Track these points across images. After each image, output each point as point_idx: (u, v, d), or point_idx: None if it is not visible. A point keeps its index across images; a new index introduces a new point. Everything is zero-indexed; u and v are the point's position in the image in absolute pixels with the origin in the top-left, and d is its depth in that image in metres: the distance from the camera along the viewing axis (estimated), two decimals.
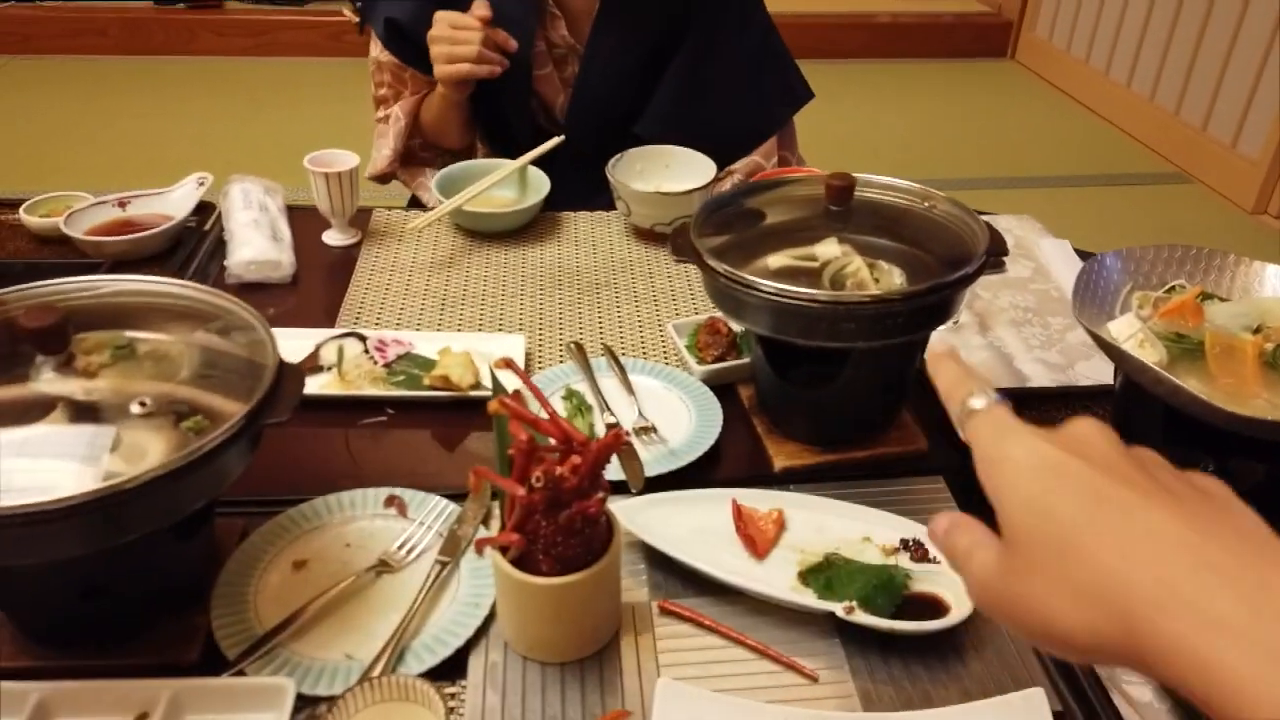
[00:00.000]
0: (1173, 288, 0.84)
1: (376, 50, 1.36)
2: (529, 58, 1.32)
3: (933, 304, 0.77)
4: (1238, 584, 0.32)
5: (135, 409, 0.61)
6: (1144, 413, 0.78)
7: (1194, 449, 0.76)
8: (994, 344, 1.10)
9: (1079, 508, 0.36)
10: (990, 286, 1.19)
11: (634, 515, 0.75)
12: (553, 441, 0.61)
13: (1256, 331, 0.78)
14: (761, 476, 0.84)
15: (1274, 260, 0.85)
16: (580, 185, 1.30)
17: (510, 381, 0.71)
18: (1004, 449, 0.39)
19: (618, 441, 0.60)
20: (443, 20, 1.22)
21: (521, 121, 1.37)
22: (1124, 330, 0.78)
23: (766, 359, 0.86)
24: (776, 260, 0.87)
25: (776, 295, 0.75)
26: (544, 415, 0.60)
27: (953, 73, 4.16)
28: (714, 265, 0.78)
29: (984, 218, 1.38)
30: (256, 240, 1.11)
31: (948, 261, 0.80)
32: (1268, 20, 2.92)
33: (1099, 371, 1.01)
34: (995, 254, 0.80)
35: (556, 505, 0.59)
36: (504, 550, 0.62)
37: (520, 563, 0.62)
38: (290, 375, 0.65)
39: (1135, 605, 0.33)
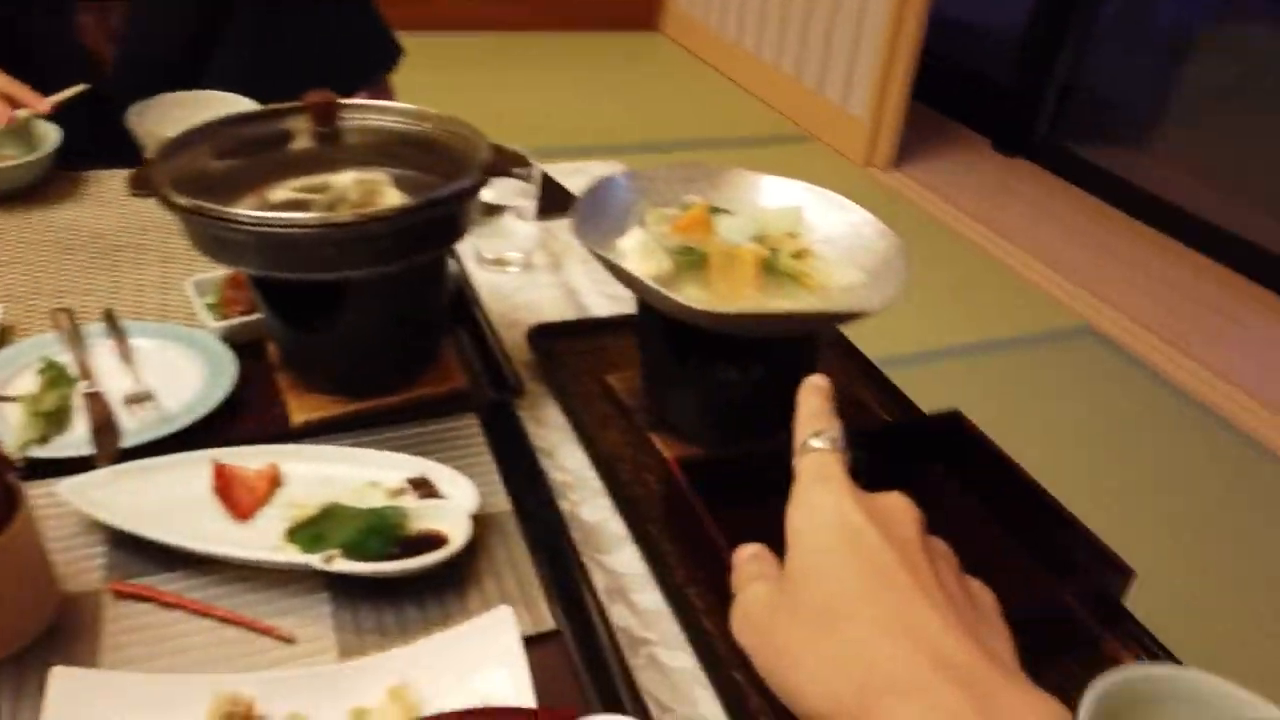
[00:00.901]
0: (687, 205, 0.86)
1: None
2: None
3: (425, 221, 0.71)
4: (973, 687, 0.34)
5: None
6: (652, 326, 0.79)
7: (705, 359, 0.77)
8: (564, 283, 1.10)
9: (857, 578, 0.38)
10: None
11: (90, 492, 0.64)
12: None
13: (761, 241, 0.81)
14: (281, 435, 0.76)
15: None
16: (131, 148, 1.14)
17: None
18: (816, 495, 0.41)
19: None
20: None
21: (59, 76, 1.18)
22: (632, 245, 0.78)
23: (267, 304, 0.77)
24: (279, 194, 0.79)
25: (253, 225, 0.67)
26: None
27: (606, 44, 4.27)
28: (177, 200, 0.68)
29: (575, 165, 1.39)
30: None
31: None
32: None
33: None
34: (497, 172, 0.76)
35: None
36: None
37: None
38: None
39: (875, 682, 0.35)
